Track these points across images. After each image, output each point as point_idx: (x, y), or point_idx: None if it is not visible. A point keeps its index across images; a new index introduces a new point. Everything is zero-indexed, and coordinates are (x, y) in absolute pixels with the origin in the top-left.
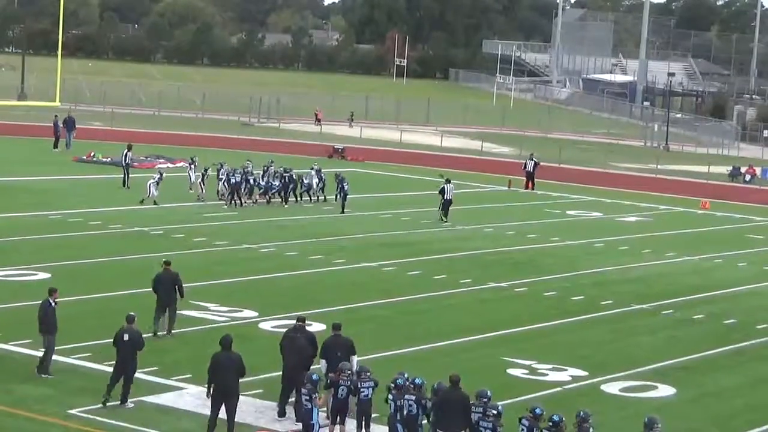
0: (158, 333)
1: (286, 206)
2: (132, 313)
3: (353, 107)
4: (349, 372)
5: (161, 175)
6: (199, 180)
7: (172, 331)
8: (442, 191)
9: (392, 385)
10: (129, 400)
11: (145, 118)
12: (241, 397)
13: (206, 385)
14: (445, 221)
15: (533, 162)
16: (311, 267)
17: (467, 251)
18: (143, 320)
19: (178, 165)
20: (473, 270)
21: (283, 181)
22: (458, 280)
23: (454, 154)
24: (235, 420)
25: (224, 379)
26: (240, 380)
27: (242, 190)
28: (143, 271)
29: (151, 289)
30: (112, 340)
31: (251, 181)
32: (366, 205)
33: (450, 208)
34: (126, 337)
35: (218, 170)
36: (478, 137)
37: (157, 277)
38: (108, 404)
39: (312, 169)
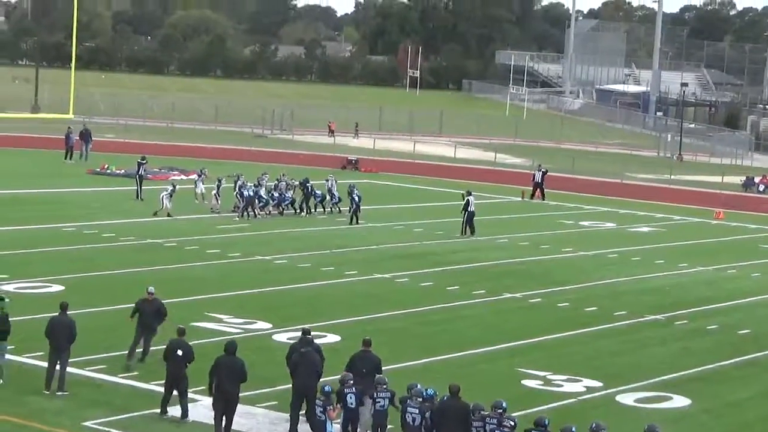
0: (133, 369)
1: (304, 215)
2: (182, 326)
3: (366, 119)
4: (385, 386)
5: (174, 187)
6: (214, 192)
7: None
8: (466, 205)
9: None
10: (188, 415)
11: (158, 130)
12: (256, 408)
13: (208, 388)
14: (470, 235)
15: (542, 172)
16: (324, 278)
17: (481, 262)
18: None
19: (191, 177)
20: (487, 281)
21: (304, 190)
22: (471, 292)
23: (468, 165)
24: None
25: (224, 383)
26: (241, 386)
27: (256, 202)
28: (157, 284)
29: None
30: (162, 354)
31: (263, 194)
32: (379, 217)
33: (474, 220)
34: (180, 352)
35: (235, 182)
36: (492, 148)
37: (139, 307)
38: (166, 417)
39: (327, 180)
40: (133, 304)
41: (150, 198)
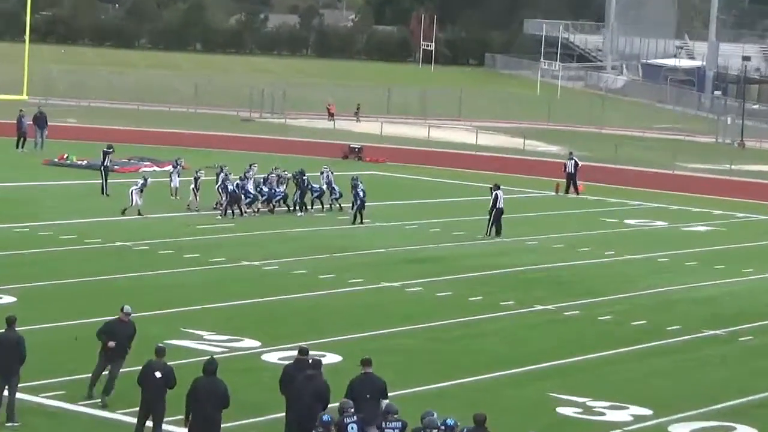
0: (96, 398)
1: (300, 215)
2: (161, 345)
3: (372, 100)
4: (395, 415)
5: (146, 180)
6: (192, 186)
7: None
8: (495, 201)
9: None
10: None
11: (127, 114)
12: None
13: (185, 417)
14: (494, 237)
15: (573, 161)
16: (322, 287)
17: (507, 268)
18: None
19: (165, 169)
20: (515, 290)
21: (299, 184)
22: (497, 303)
23: (492, 154)
24: None
25: (204, 410)
26: (222, 412)
27: (242, 198)
28: (126, 294)
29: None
30: (135, 378)
31: (251, 189)
32: (388, 215)
33: (502, 218)
34: (158, 374)
35: (217, 174)
36: (520, 134)
37: (108, 325)
38: None
39: (322, 172)
40: (102, 326)
41: (117, 193)
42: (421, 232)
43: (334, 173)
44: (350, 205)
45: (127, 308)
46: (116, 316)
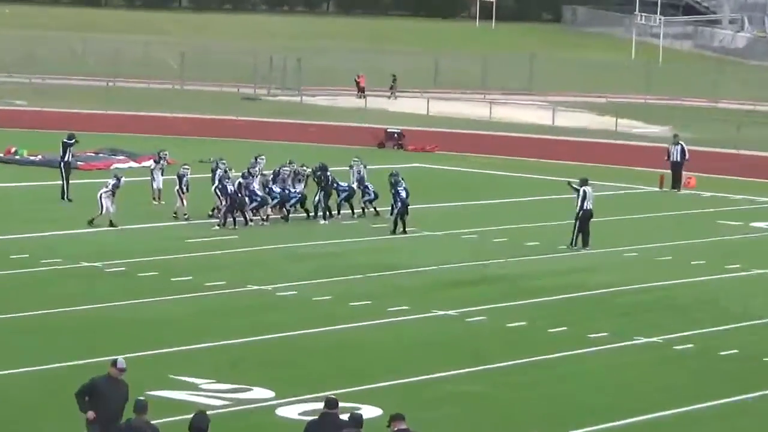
0: None
1: (324, 222)
2: (143, 399)
3: (414, 70)
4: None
5: (119, 180)
6: (176, 187)
7: None
8: (581, 202)
9: None
10: None
11: (94, 93)
12: None
13: None
14: (581, 248)
15: (680, 147)
16: (354, 319)
17: (597, 289)
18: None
19: (145, 165)
20: (609, 318)
21: (320, 182)
22: (585, 335)
23: (575, 138)
24: None
25: None
26: None
27: (246, 202)
28: (96, 331)
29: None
30: None
31: (257, 189)
32: (438, 221)
33: (590, 223)
34: None
35: (213, 171)
36: (611, 111)
37: (95, 385)
38: None
39: (352, 166)
40: (84, 385)
41: (82, 198)
42: (482, 244)
43: (367, 167)
44: (389, 208)
45: (122, 362)
46: (105, 373)
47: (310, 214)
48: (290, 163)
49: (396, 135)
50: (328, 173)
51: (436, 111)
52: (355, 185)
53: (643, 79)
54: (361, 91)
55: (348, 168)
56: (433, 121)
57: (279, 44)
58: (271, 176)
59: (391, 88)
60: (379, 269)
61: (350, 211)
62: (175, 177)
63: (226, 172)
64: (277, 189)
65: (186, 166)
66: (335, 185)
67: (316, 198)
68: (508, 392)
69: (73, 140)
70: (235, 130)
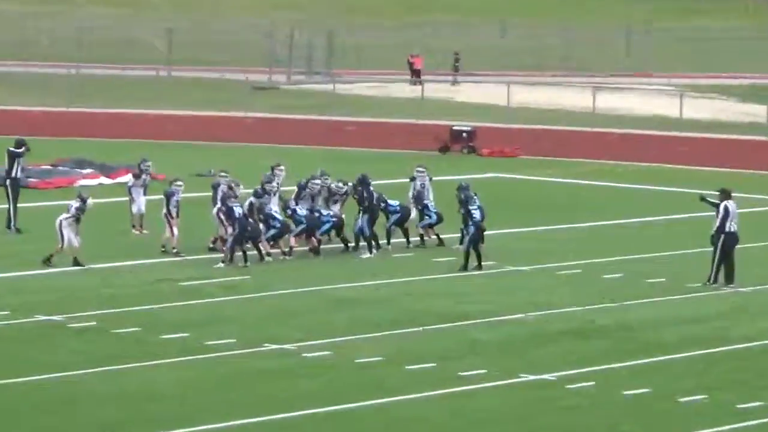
0: None
1: (367, 256)
2: None
3: (482, 43)
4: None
5: (84, 202)
6: (164, 211)
7: None
8: (722, 220)
9: None
10: None
11: (55, 84)
12: None
13: None
14: (724, 284)
15: None
16: (411, 388)
17: (745, 342)
18: None
19: (120, 180)
20: (762, 380)
21: (362, 201)
22: (731, 405)
23: (712, 135)
24: None
25: None
26: None
27: (261, 229)
28: (60, 412)
29: None
30: None
31: (275, 212)
32: (525, 251)
33: (735, 251)
34: None
35: (214, 187)
36: (752, 95)
37: None
38: None
39: (415, 179)
40: None
41: (36, 226)
42: (587, 281)
43: (432, 179)
44: (457, 235)
45: None
46: None
47: (350, 244)
48: (321, 175)
49: (465, 134)
50: (371, 188)
51: (518, 100)
52: (412, 203)
53: None
54: (415, 75)
55: (408, 180)
56: (515, 115)
57: (301, 16)
58: (294, 194)
59: (455, 68)
60: (445, 319)
61: (404, 239)
62: (162, 197)
63: (231, 188)
64: (302, 211)
65: (178, 183)
66: (383, 205)
67: (358, 223)
68: None
69: (23, 148)
70: (243, 131)
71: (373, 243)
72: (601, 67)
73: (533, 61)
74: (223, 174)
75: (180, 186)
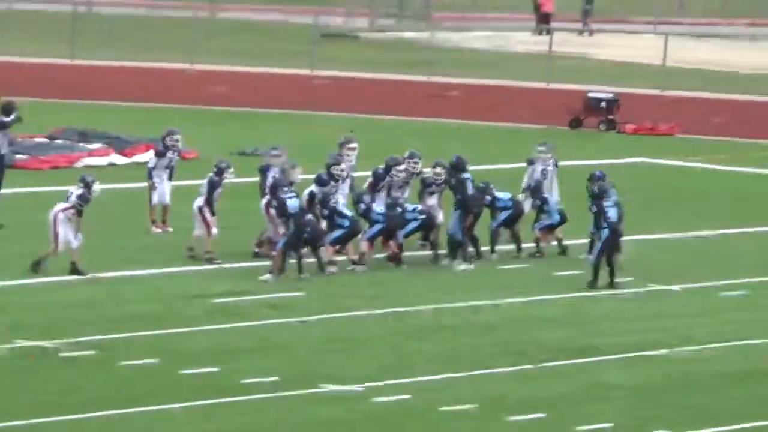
0: None
1: (463, 267)
2: None
3: None
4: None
5: (89, 187)
6: (198, 203)
7: None
8: None
9: None
10: None
11: (50, 27)
12: None
13: None
14: None
15: None
16: None
17: None
18: None
19: (138, 160)
20: None
21: (458, 192)
22: None
23: None
24: None
25: None
26: None
27: (322, 230)
28: None
29: None
30: None
31: (342, 207)
32: (677, 265)
33: None
34: None
35: (262, 171)
36: None
37: None
38: None
39: (533, 162)
40: None
41: (23, 219)
42: (760, 306)
43: (558, 165)
44: (585, 241)
45: None
46: None
47: (440, 251)
48: (410, 157)
49: (604, 104)
50: (467, 175)
51: (679, 58)
52: (522, 196)
53: None
54: (542, 21)
55: (525, 165)
56: (673, 77)
57: None
58: (369, 183)
59: (585, 17)
60: (564, 354)
61: (514, 244)
62: (203, 184)
63: (285, 173)
64: (379, 208)
65: (223, 164)
66: (489, 198)
67: (454, 225)
68: None
69: (13, 116)
70: (306, 94)
71: (473, 250)
72: None
73: (702, 2)
74: (275, 153)
75: (225, 170)
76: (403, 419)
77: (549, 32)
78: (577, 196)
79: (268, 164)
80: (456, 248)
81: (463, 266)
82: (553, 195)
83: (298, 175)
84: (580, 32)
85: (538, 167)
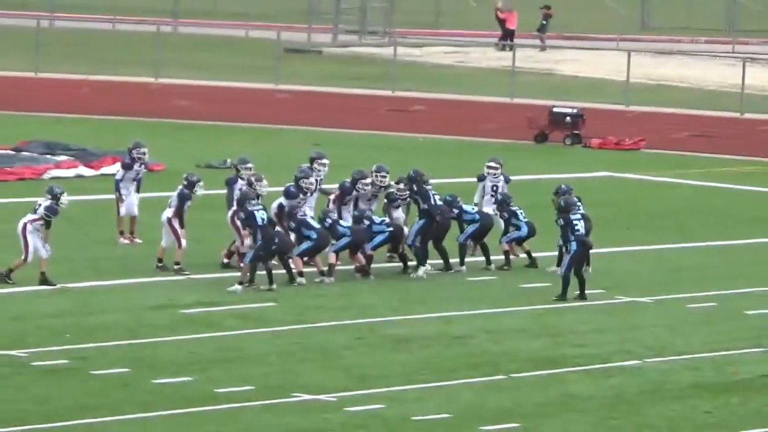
0: None
1: (420, 273)
2: None
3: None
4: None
5: (57, 199)
6: (168, 214)
7: None
8: None
9: None
10: None
11: (17, 39)
12: None
13: None
14: None
15: None
16: None
17: None
18: None
19: (105, 172)
20: None
21: (417, 199)
22: None
23: None
24: None
25: None
26: None
27: (291, 242)
28: None
29: None
30: None
31: (309, 217)
32: (645, 276)
33: None
34: None
35: (229, 183)
36: None
37: None
38: None
39: (484, 178)
40: None
41: None
42: (726, 317)
43: (510, 180)
44: (554, 254)
45: None
46: None
47: (409, 262)
48: (377, 171)
49: (569, 118)
50: (430, 187)
51: (641, 74)
52: (490, 210)
53: None
54: (507, 37)
55: (475, 181)
56: (637, 93)
57: None
58: (335, 196)
59: (541, 27)
60: (535, 365)
61: (483, 257)
62: (173, 196)
63: (252, 185)
64: (345, 222)
65: (193, 177)
66: (456, 211)
67: (411, 231)
68: None
69: None
70: (271, 108)
71: (438, 262)
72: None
73: (663, 21)
74: (248, 166)
75: (194, 182)
76: (378, 428)
77: (512, 48)
78: (544, 210)
79: (235, 177)
80: (421, 256)
81: (420, 271)
82: (519, 210)
83: (264, 188)
84: (542, 48)
85: (488, 183)
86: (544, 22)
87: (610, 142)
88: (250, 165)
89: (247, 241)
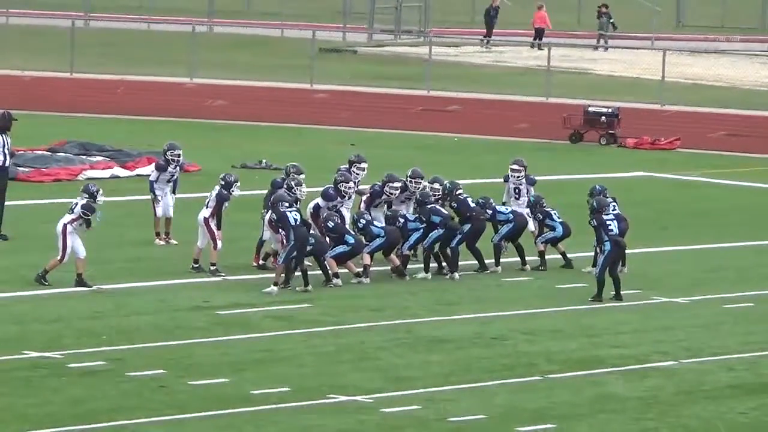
0: None
1: (422, 276)
2: None
3: None
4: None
5: (93, 197)
6: (204, 214)
7: None
8: None
9: None
10: None
11: (49, 39)
12: None
13: None
14: None
15: None
16: None
17: None
18: None
19: (140, 173)
20: None
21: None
22: None
23: None
24: None
25: None
26: None
27: (326, 243)
28: None
29: None
30: None
31: (348, 220)
32: (681, 276)
33: None
34: None
35: (273, 186)
36: None
37: None
38: None
39: (508, 179)
40: None
41: (27, 231)
42: (764, 318)
43: (536, 181)
44: (590, 254)
45: None
46: None
47: (444, 264)
48: (412, 176)
49: (604, 118)
50: (460, 191)
51: (676, 73)
52: (524, 210)
53: None
54: (538, 36)
55: (505, 180)
56: (673, 92)
57: None
58: (365, 199)
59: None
60: (571, 366)
61: (519, 257)
62: (209, 197)
63: (291, 189)
64: (378, 223)
65: (231, 177)
66: (490, 212)
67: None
68: None
69: (9, 124)
70: (307, 107)
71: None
72: None
73: (698, 19)
74: (295, 168)
75: (231, 183)
76: (414, 429)
77: (545, 47)
78: (580, 210)
79: (282, 180)
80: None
81: (421, 275)
82: (553, 210)
83: (303, 193)
84: (595, 47)
85: (511, 185)
86: (602, 19)
87: (646, 142)
88: (302, 176)
89: (283, 242)
